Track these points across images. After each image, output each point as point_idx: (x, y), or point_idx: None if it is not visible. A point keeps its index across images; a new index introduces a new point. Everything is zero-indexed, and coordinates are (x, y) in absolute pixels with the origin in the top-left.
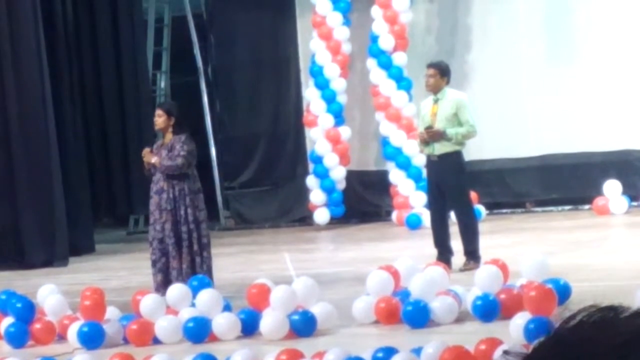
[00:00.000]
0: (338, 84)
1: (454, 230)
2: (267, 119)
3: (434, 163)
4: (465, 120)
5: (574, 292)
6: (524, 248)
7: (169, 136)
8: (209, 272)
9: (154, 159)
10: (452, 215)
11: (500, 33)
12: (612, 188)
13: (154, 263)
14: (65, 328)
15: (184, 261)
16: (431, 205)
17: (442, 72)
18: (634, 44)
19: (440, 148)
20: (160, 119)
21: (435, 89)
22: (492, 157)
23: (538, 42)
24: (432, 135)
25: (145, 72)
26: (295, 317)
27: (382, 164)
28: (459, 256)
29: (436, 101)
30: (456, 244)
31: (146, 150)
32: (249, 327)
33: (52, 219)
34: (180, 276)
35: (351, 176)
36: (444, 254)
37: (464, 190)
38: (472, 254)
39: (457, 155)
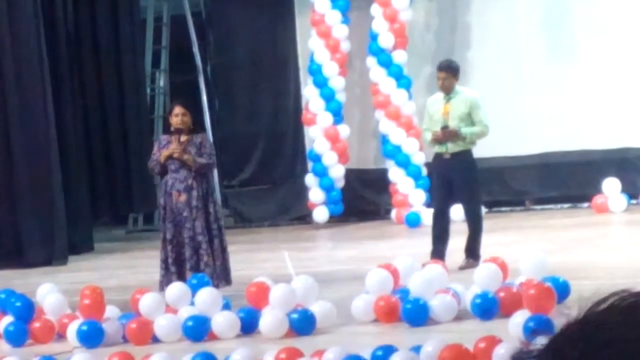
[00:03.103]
0: (337, 82)
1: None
2: (266, 118)
3: (446, 161)
4: (479, 119)
5: (573, 290)
6: (523, 246)
7: (186, 134)
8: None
9: (186, 156)
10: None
11: (499, 31)
12: (611, 186)
13: (175, 261)
14: (65, 327)
15: (217, 258)
16: (438, 202)
17: (453, 72)
18: (634, 42)
19: (453, 147)
20: (186, 117)
21: (449, 90)
22: (491, 155)
23: (537, 40)
24: (447, 135)
25: (145, 71)
26: (295, 315)
27: (381, 162)
28: (458, 254)
29: (448, 100)
30: (452, 242)
31: (179, 149)
32: (249, 325)
33: (51, 217)
34: (215, 273)
35: (350, 174)
36: (440, 249)
37: (476, 188)
38: (473, 252)
39: (469, 153)
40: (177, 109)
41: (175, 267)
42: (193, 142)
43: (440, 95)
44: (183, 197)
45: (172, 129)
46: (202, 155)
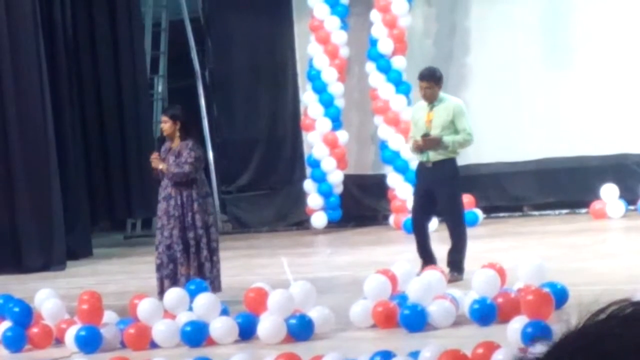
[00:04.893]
0: (335, 88)
1: (434, 237)
2: (265, 123)
3: (427, 170)
4: (462, 128)
5: (571, 296)
6: (521, 252)
7: (177, 140)
8: (218, 275)
9: (161, 165)
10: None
11: (497, 37)
12: (609, 192)
13: (158, 267)
14: (63, 332)
15: (192, 268)
16: (417, 213)
17: (436, 81)
18: (631, 48)
19: (435, 155)
20: (166, 124)
21: (432, 99)
22: (489, 160)
23: (535, 46)
24: (428, 143)
25: (144, 76)
26: (293, 321)
27: (380, 167)
28: (441, 265)
29: (432, 108)
30: (438, 250)
31: (154, 156)
32: (247, 331)
33: (49, 223)
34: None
35: (348, 180)
36: (429, 262)
37: (457, 198)
38: (457, 264)
39: (451, 162)
40: (162, 117)
41: (159, 274)
42: (174, 150)
43: (424, 103)
44: (163, 206)
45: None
46: (178, 164)
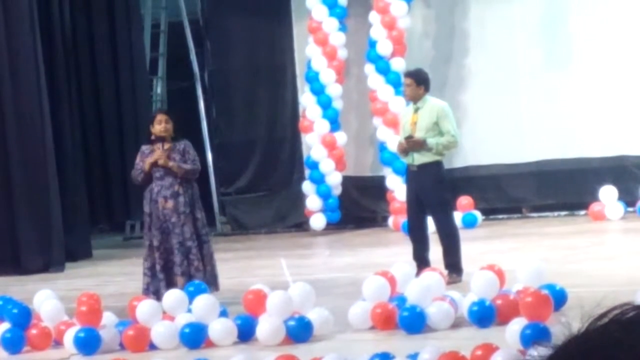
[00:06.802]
0: (334, 89)
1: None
2: (263, 125)
3: (413, 173)
4: (446, 130)
5: (570, 298)
6: (520, 254)
7: (168, 142)
8: (217, 275)
9: (171, 163)
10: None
11: (497, 39)
12: (608, 194)
13: (166, 268)
14: (62, 334)
15: (207, 263)
16: (409, 216)
17: (417, 81)
18: (630, 50)
19: (419, 158)
20: (169, 124)
21: (413, 98)
22: (488, 162)
23: (535, 47)
24: (411, 145)
25: (144, 78)
26: (292, 322)
27: (378, 169)
28: (439, 267)
29: (416, 110)
30: (435, 252)
31: (164, 156)
32: (245, 332)
33: (48, 224)
34: (204, 277)
35: (347, 182)
36: (424, 267)
37: (444, 200)
38: (454, 267)
39: (437, 165)
40: (160, 117)
41: (164, 274)
42: (177, 149)
43: (411, 105)
44: (170, 204)
45: (152, 137)
46: (186, 161)
